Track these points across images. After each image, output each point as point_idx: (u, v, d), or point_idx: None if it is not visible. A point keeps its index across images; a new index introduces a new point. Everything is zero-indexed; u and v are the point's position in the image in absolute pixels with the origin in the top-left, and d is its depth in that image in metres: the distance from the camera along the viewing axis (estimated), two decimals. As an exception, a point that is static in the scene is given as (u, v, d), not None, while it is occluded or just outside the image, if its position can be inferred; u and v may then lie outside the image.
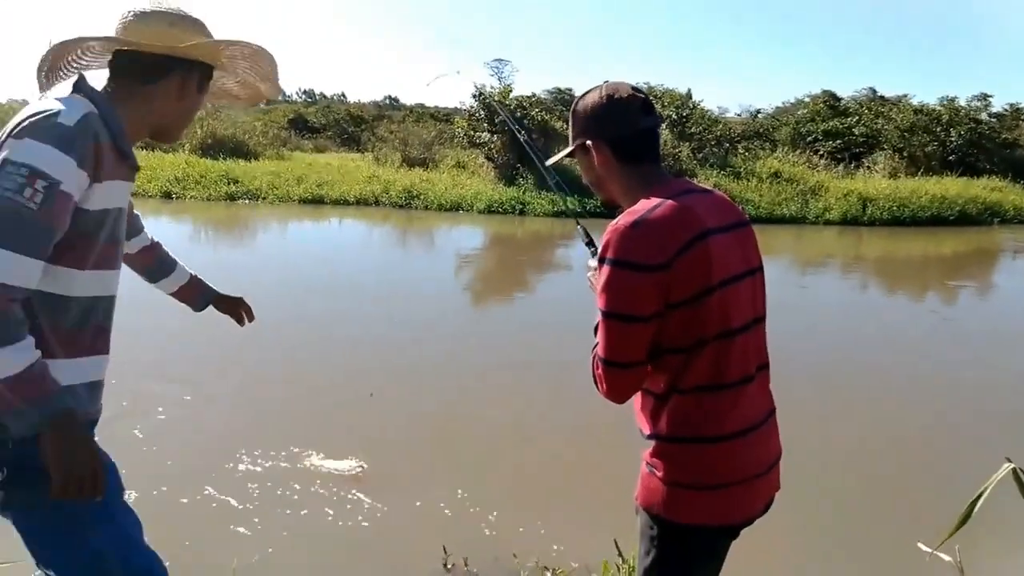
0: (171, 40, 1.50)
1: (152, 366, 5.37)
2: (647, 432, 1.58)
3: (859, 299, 10.27)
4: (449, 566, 3.16)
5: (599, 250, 1.50)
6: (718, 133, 21.42)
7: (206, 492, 3.75)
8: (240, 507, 3.64)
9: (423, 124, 23.45)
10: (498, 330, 7.62)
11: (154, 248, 2.04)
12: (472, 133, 20.43)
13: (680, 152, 19.76)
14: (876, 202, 17.69)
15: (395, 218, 15.94)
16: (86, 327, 1.52)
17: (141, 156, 19.60)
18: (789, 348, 6.22)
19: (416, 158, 21.06)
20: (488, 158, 19.85)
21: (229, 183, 17.70)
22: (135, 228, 1.94)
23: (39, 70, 1.50)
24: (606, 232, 1.47)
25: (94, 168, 1.40)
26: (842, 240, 15.76)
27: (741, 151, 21.50)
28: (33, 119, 1.35)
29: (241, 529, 3.44)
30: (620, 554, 2.90)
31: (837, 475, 4.21)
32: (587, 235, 1.96)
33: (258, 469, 4.04)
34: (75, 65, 1.54)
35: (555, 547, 3.30)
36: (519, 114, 19.46)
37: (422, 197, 17.22)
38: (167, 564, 1.67)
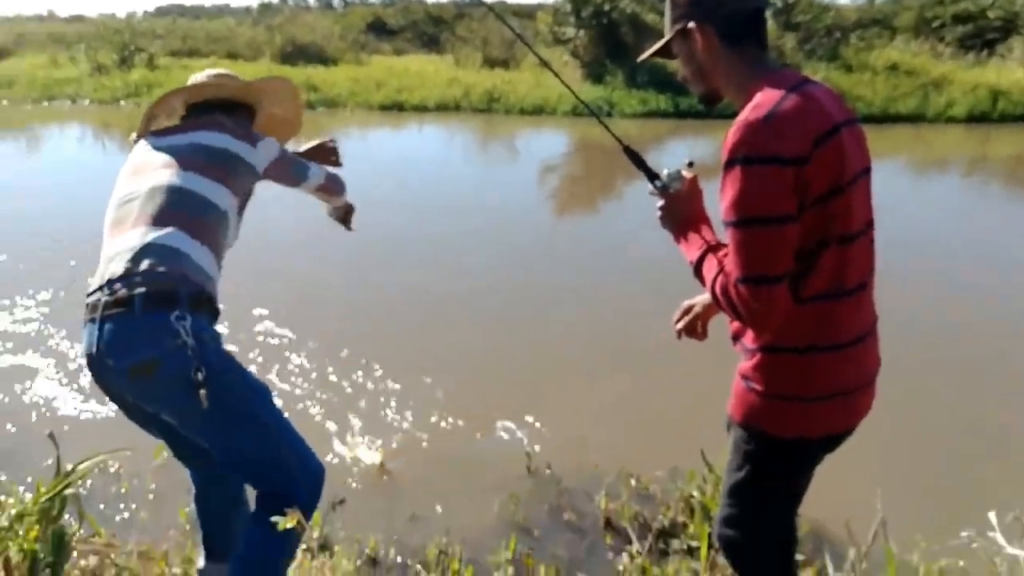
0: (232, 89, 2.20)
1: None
2: (754, 345, 1.53)
3: (979, 207, 9.31)
4: (532, 469, 3.32)
5: (726, 152, 1.37)
6: (828, 22, 19.35)
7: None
8: (323, 425, 3.75)
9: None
10: (584, 243, 7.29)
11: None
12: (557, 28, 19.26)
13: (784, 44, 18.01)
14: (1009, 96, 15.72)
15: (476, 123, 15.39)
16: None
17: (224, 66, 19.91)
18: (892, 259, 5.65)
19: (497, 58, 20.11)
20: (574, 55, 18.73)
21: (309, 90, 17.42)
22: None
23: (146, 117, 2.10)
24: (733, 130, 1.37)
25: None
26: (967, 139, 14.26)
27: (854, 41, 19.44)
28: (262, 135, 2.12)
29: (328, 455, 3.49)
30: (706, 463, 2.87)
31: (930, 397, 3.99)
32: (640, 161, 1.68)
33: (335, 384, 4.14)
34: (164, 118, 2.16)
35: (640, 457, 3.31)
36: (607, 6, 18.17)
37: (503, 100, 16.51)
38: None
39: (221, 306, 1.85)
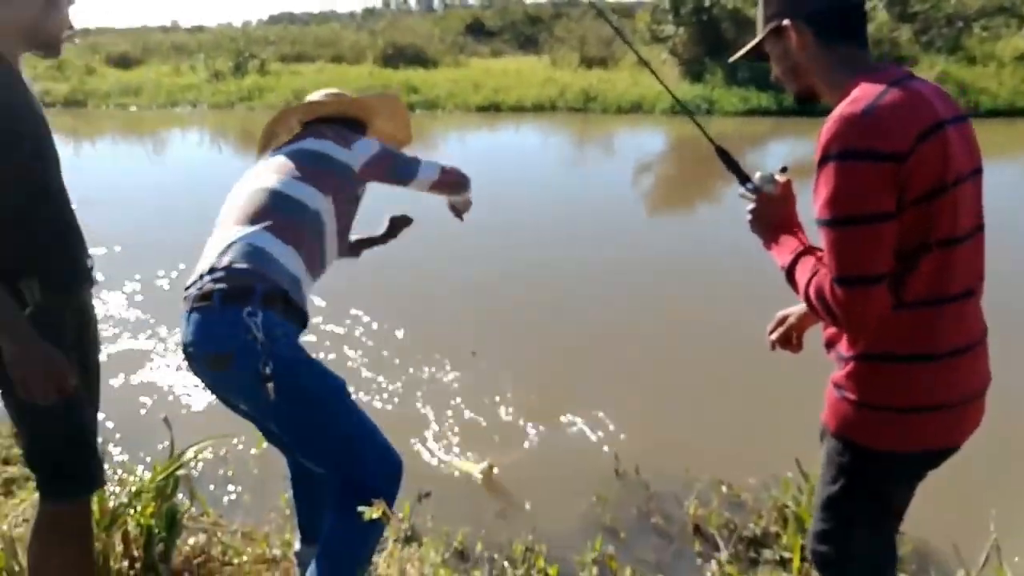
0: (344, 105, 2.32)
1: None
2: (849, 352, 1.47)
3: None
4: (620, 471, 3.30)
5: (820, 149, 1.33)
6: (949, 11, 18.22)
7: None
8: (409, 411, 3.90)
9: (603, 20, 22.28)
10: (676, 242, 7.18)
11: None
12: (655, 27, 19.01)
13: (899, 36, 17.07)
14: None
15: (571, 123, 15.38)
16: None
17: (329, 70, 20.50)
18: (1014, 267, 5.42)
19: (594, 57, 20.04)
20: (672, 53, 18.43)
21: (409, 92, 17.89)
22: None
23: (266, 135, 2.31)
24: (827, 125, 1.32)
25: None
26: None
27: (978, 31, 18.20)
28: (361, 137, 2.23)
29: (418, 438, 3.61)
30: (803, 472, 2.78)
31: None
32: (732, 162, 1.65)
33: (420, 380, 4.21)
34: (284, 135, 2.30)
35: (733, 464, 3.25)
36: (708, 2, 17.76)
37: (599, 99, 16.43)
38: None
39: (322, 303, 1.94)
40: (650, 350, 4.68)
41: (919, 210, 1.33)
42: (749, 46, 1.59)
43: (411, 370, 4.36)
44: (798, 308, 1.80)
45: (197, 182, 9.86)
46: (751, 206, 1.60)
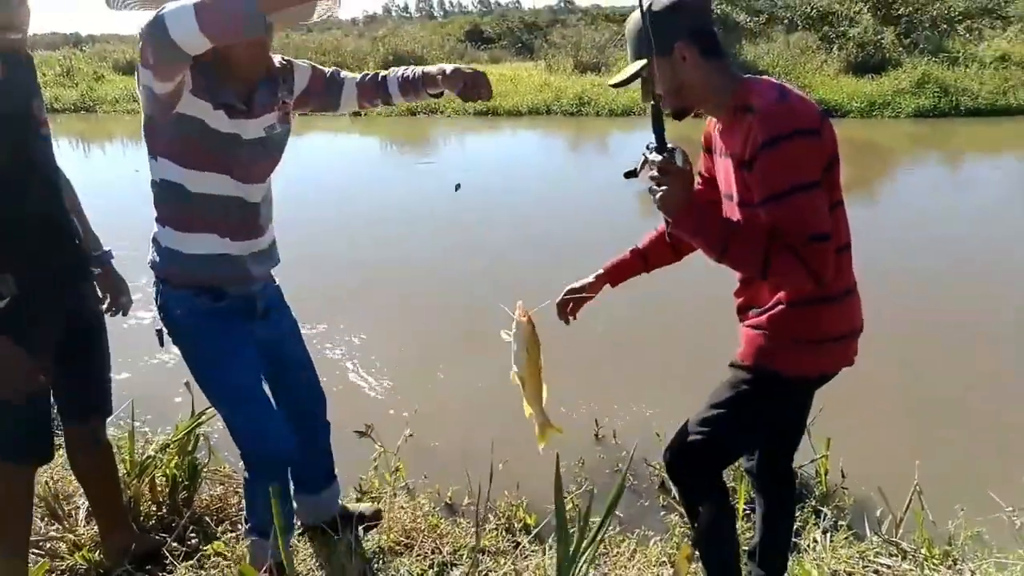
0: None
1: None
2: (774, 300, 1.74)
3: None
4: (599, 437, 3.64)
5: (759, 140, 1.54)
6: (934, 13, 18.50)
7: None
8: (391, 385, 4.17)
9: (597, 27, 22.73)
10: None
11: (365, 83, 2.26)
12: (648, 33, 19.32)
13: (882, 39, 17.25)
14: None
15: (566, 126, 15.69)
16: None
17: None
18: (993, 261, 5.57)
19: (588, 63, 20.38)
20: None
21: (409, 98, 18.14)
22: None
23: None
24: (764, 115, 1.54)
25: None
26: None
27: (962, 32, 18.47)
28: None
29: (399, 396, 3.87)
30: None
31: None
32: (659, 123, 1.62)
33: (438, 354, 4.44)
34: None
35: None
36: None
37: (593, 103, 16.74)
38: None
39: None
40: (632, 327, 4.96)
41: (828, 177, 1.61)
42: (637, 70, 1.71)
43: (391, 347, 4.66)
44: (584, 280, 2.27)
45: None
46: (664, 183, 1.58)
